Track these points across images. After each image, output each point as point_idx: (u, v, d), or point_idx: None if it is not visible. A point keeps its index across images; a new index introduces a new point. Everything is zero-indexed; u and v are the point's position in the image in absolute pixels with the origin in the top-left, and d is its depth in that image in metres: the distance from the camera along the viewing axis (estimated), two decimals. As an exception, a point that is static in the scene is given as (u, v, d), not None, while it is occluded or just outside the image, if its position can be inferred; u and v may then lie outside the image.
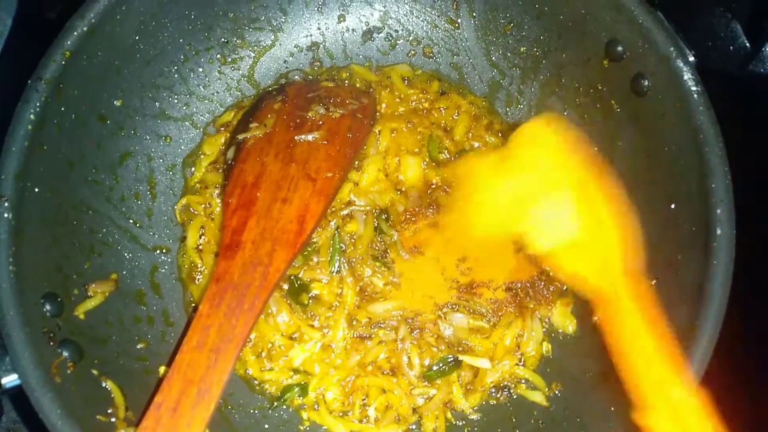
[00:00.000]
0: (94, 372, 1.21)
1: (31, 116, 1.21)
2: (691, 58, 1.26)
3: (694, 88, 1.24)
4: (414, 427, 1.39)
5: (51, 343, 1.16)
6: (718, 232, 1.17)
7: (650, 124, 1.33)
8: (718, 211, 1.18)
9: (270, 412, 1.39)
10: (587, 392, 1.31)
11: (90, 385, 1.19)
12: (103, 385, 1.21)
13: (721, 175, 1.19)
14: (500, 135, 1.56)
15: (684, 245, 1.24)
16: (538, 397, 1.37)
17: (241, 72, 1.59)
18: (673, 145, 1.28)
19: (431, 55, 1.63)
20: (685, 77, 1.24)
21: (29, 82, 1.23)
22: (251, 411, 1.39)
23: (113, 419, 1.18)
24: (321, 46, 1.63)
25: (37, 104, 1.22)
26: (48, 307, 1.19)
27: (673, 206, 1.29)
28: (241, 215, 1.33)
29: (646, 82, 1.31)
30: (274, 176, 1.38)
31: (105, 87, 1.37)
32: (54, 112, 1.25)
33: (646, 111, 1.33)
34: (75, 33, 1.26)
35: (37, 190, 1.22)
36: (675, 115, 1.26)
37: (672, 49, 1.25)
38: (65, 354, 1.17)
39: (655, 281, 1.29)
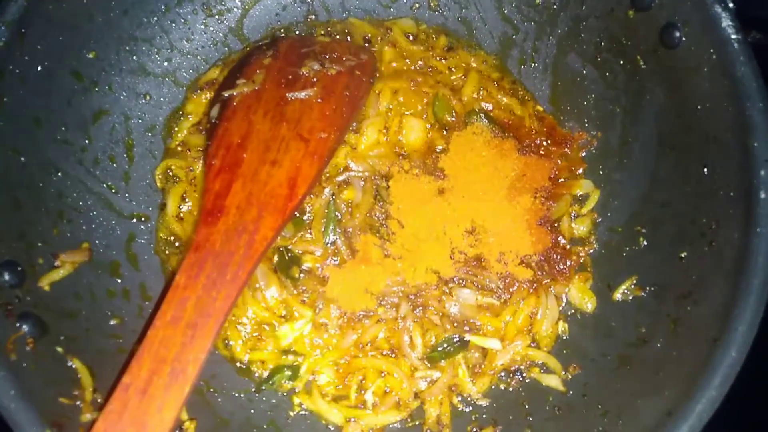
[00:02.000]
0: (59, 349, 1.09)
1: (-12, 63, 1.09)
2: (731, 4, 1.13)
3: (734, 37, 1.11)
4: (416, 413, 1.27)
5: (8, 317, 1.04)
6: (762, 196, 1.04)
7: (681, 80, 1.20)
8: (762, 172, 1.05)
9: (257, 396, 1.27)
10: (608, 376, 1.19)
11: (53, 363, 1.07)
12: (69, 364, 1.09)
13: (765, 132, 1.06)
14: (512, 95, 1.42)
15: (720, 213, 1.11)
16: (553, 382, 1.25)
17: (228, 25, 1.46)
18: (708, 101, 1.15)
19: (437, 8, 1.49)
20: (724, 24, 1.11)
21: (-14, 24, 1.10)
22: (236, 394, 1.26)
23: (79, 402, 1.06)
24: (316, -3, 1.49)
25: (-5, 50, 1.10)
26: (6, 276, 1.07)
27: (706, 170, 1.16)
28: (225, 178, 1.20)
29: (678, 33, 1.18)
30: (263, 136, 1.25)
31: (76, 36, 1.24)
32: (15, 61, 1.13)
33: (677, 65, 1.20)
34: (40, -29, 1.14)
35: (-4, 146, 1.10)
36: (711, 68, 1.13)
37: (709, -8, 1.12)
38: (25, 328, 1.05)
39: (685, 254, 1.16)
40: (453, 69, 1.44)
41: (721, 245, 1.10)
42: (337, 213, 1.32)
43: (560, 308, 1.30)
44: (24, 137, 1.16)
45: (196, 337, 1.02)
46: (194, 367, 0.99)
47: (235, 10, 1.46)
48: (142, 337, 1.18)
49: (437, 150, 1.37)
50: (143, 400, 0.97)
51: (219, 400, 1.25)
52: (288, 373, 1.25)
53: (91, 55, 1.28)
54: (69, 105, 1.25)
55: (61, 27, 1.20)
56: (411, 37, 1.47)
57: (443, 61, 1.45)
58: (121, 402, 0.96)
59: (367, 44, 1.46)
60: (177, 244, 1.34)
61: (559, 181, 1.37)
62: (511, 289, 1.29)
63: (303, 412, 1.26)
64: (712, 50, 1.13)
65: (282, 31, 1.48)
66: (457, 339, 1.26)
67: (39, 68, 1.18)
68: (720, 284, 1.06)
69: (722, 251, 1.09)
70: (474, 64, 1.45)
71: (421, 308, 1.28)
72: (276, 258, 1.30)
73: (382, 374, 1.26)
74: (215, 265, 1.09)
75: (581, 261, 1.33)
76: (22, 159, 1.16)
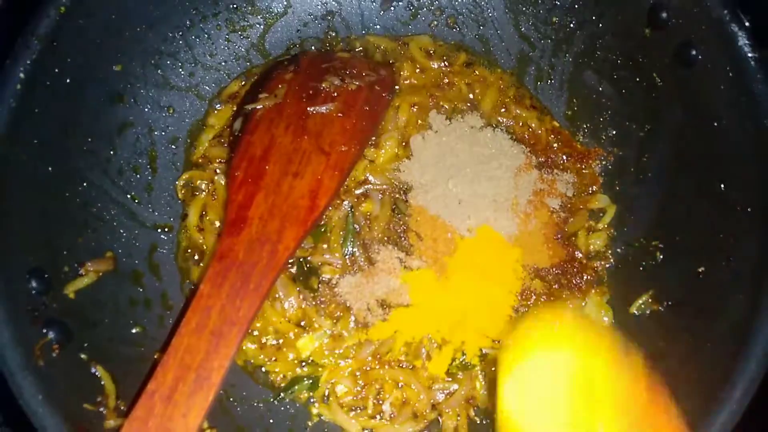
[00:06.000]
0: (83, 356, 1.11)
1: (21, 75, 1.11)
2: (747, 23, 1.15)
3: (750, 55, 1.12)
4: (433, 424, 1.27)
5: (35, 323, 1.05)
6: (781, 212, 1.05)
7: (698, 98, 1.21)
8: (781, 189, 1.06)
9: (276, 405, 1.27)
10: (627, 390, 1.18)
11: (78, 370, 1.09)
12: (93, 371, 1.11)
13: (784, 149, 1.08)
14: (531, 109, 1.44)
15: (738, 229, 1.12)
16: (571, 395, 1.25)
17: (250, 40, 1.48)
18: (725, 119, 1.17)
19: (455, 25, 1.51)
20: (740, 43, 1.13)
21: (20, 38, 1.12)
22: (255, 404, 1.27)
23: (102, 409, 1.07)
24: (336, 14, 1.51)
25: (28, 62, 1.12)
26: (34, 283, 1.08)
27: (723, 186, 1.17)
28: (248, 189, 1.22)
29: (694, 51, 1.20)
30: (285, 149, 1.27)
31: (104, 49, 1.26)
32: (47, 73, 1.15)
33: (694, 83, 1.21)
34: (71, -13, 1.17)
35: (25, 156, 1.12)
36: (728, 86, 1.15)
37: (725, 12, 1.14)
38: (51, 335, 1.06)
39: (702, 269, 1.17)
40: (472, 84, 1.46)
41: (739, 261, 1.10)
42: (355, 225, 1.34)
43: (577, 322, 1.31)
44: (51, 147, 1.18)
45: (220, 345, 1.03)
46: (218, 374, 1.01)
47: (258, 25, 1.49)
48: (164, 345, 1.21)
49: (455, 164, 1.39)
50: (168, 406, 0.98)
51: (238, 409, 1.25)
52: (308, 382, 1.26)
53: (117, 68, 1.30)
54: (95, 116, 1.27)
55: (90, 41, 1.22)
56: (428, 53, 1.49)
57: (461, 76, 1.47)
58: (146, 408, 0.97)
59: (387, 60, 1.48)
60: (197, 253, 1.35)
61: (576, 195, 1.38)
62: (528, 302, 1.30)
63: (321, 423, 1.27)
64: (728, 68, 1.14)
65: (302, 46, 1.51)
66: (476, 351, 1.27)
67: (68, 80, 1.19)
68: (738, 299, 1.07)
69: (740, 267, 1.10)
70: (492, 79, 1.47)
71: (439, 320, 1.29)
72: (295, 269, 1.32)
73: (400, 385, 1.26)
74: (239, 275, 1.10)
75: (597, 275, 1.34)
76: (50, 169, 1.17)
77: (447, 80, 1.46)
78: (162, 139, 1.39)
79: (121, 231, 1.30)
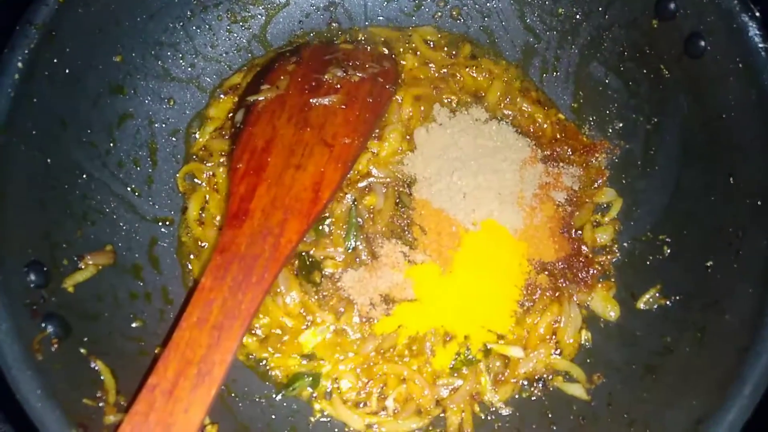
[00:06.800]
0: (83, 351, 1.09)
1: (19, 64, 1.10)
2: (758, 13, 1.13)
3: (761, 46, 1.11)
4: (437, 420, 1.25)
5: (34, 317, 1.03)
6: (790, 204, 1.04)
7: (706, 89, 1.20)
8: (790, 181, 1.04)
9: (278, 400, 1.26)
10: (634, 385, 1.17)
11: (77, 364, 1.07)
12: (92, 365, 1.09)
13: (793, 141, 1.06)
14: (537, 102, 1.42)
15: (746, 222, 1.11)
16: (577, 391, 1.23)
17: (252, 31, 1.47)
18: (733, 110, 1.15)
19: (459, 16, 1.49)
20: (751, 33, 1.12)
21: (18, 27, 1.11)
22: (257, 399, 1.25)
23: (102, 404, 1.06)
24: (339, 5, 1.50)
25: (26, 51, 1.10)
26: (32, 276, 1.06)
27: (731, 179, 1.15)
28: (250, 182, 1.20)
29: (703, 42, 1.18)
30: (287, 141, 1.26)
31: (103, 40, 1.25)
32: (45, 62, 1.14)
33: (702, 74, 1.20)
34: (70, -25, 1.15)
35: (23, 147, 1.10)
36: (737, 77, 1.14)
37: (735, 2, 1.13)
38: (50, 329, 1.04)
39: (710, 263, 1.15)
40: (476, 76, 1.45)
41: (748, 254, 1.09)
42: (358, 219, 1.32)
43: (583, 317, 1.29)
44: (50, 138, 1.16)
45: (222, 339, 1.01)
46: (221, 368, 0.99)
47: (259, 16, 1.47)
48: (165, 339, 1.19)
49: (459, 157, 1.37)
50: (169, 401, 0.96)
51: (240, 405, 1.24)
52: (309, 379, 1.24)
53: (117, 59, 1.28)
54: (95, 107, 1.25)
55: (89, 30, 1.21)
56: (432, 45, 1.47)
57: (465, 68, 1.45)
58: (147, 403, 0.96)
59: (388, 52, 1.46)
60: (197, 247, 1.33)
61: (582, 189, 1.37)
62: (533, 297, 1.28)
63: (324, 419, 1.25)
64: (738, 59, 1.13)
65: (305, 38, 1.49)
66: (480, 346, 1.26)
67: (67, 71, 1.18)
68: (747, 293, 1.05)
69: (749, 260, 1.09)
70: (497, 71, 1.45)
71: (443, 314, 1.27)
72: (297, 263, 1.30)
73: (404, 381, 1.24)
74: (241, 268, 1.09)
75: (604, 269, 1.32)
76: (48, 160, 1.16)
77: (451, 72, 1.45)
78: (162, 131, 1.37)
79: (121, 224, 1.28)
